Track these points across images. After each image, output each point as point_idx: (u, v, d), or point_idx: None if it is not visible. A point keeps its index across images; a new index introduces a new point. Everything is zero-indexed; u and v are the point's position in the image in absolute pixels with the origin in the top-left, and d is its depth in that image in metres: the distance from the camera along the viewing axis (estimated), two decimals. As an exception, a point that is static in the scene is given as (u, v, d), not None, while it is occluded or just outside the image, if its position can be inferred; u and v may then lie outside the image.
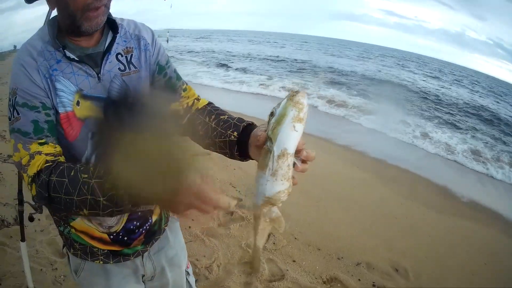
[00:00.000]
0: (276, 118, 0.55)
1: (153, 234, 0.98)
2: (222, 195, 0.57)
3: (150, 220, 0.95)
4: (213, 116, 0.85)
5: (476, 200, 3.86)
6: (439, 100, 11.93)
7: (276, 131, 0.54)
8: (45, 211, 1.18)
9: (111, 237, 0.89)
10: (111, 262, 0.93)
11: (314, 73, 14.89)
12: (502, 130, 8.68)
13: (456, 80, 22.21)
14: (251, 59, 18.14)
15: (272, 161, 0.55)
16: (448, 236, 3.03)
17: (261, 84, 10.39)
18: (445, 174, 4.73)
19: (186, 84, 0.97)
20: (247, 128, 0.77)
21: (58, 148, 0.75)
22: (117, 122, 0.67)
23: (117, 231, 0.89)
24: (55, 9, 0.75)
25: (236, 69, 14.07)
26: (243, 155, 0.76)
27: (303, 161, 0.60)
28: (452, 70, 33.57)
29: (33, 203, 1.51)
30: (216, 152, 0.82)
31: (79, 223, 0.87)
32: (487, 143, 6.98)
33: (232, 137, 0.77)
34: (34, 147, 0.71)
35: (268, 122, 0.58)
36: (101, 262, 0.92)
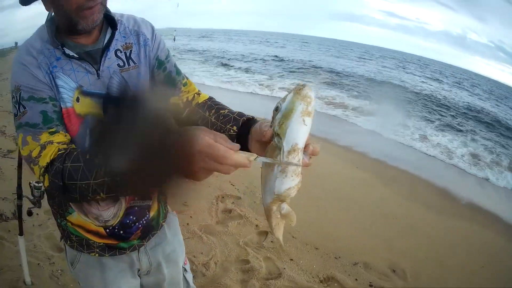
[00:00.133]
0: (283, 113, 0.54)
1: (150, 229, 0.98)
2: (238, 152, 0.52)
3: (147, 215, 0.95)
4: (213, 111, 0.84)
5: (475, 202, 3.87)
6: (439, 102, 11.95)
7: (284, 126, 0.53)
8: (44, 206, 1.18)
9: (107, 230, 0.89)
10: (107, 255, 0.93)
11: (315, 73, 14.89)
12: (501, 133, 8.70)
13: (456, 82, 22.24)
14: (251, 59, 18.13)
15: (282, 157, 0.53)
16: (447, 237, 3.04)
17: (260, 84, 10.40)
18: (445, 176, 4.74)
19: (187, 78, 0.97)
20: (247, 122, 0.76)
21: (68, 136, 0.75)
22: (115, 118, 0.67)
23: (113, 225, 0.89)
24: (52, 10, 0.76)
25: (236, 68, 14.08)
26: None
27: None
28: (453, 72, 33.62)
29: (32, 197, 1.51)
30: None
31: (75, 217, 0.87)
32: (487, 146, 7.00)
33: (231, 131, 0.76)
34: (45, 137, 0.70)
35: (273, 117, 0.56)
36: (97, 254, 0.93)
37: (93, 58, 0.79)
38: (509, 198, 4.42)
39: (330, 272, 2.29)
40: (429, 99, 12.31)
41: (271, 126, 0.57)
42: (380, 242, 2.74)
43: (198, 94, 0.96)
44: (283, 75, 13.36)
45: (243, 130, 0.75)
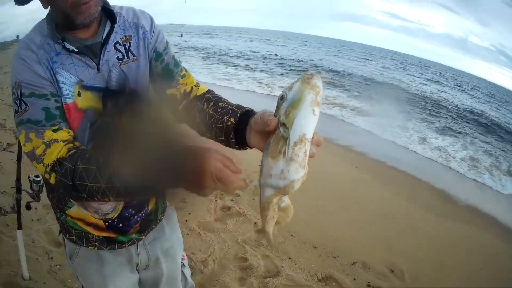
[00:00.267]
0: (291, 102, 0.51)
1: (149, 223, 0.99)
2: (239, 178, 0.57)
3: (145, 209, 0.95)
4: (211, 103, 0.83)
5: (474, 205, 3.88)
6: (440, 104, 11.96)
7: (292, 116, 0.51)
8: (42, 200, 1.18)
9: (106, 223, 0.89)
10: (106, 249, 0.93)
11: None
12: (501, 137, 8.71)
13: (457, 85, 22.26)
14: (252, 57, 18.12)
15: (288, 148, 0.51)
16: (446, 237, 3.04)
17: (260, 82, 10.38)
18: (444, 178, 4.75)
19: (186, 70, 0.96)
20: (245, 114, 0.74)
21: (71, 133, 0.75)
22: (115, 111, 0.67)
23: (113, 218, 0.89)
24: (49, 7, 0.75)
25: (236, 66, 14.06)
26: (240, 143, 0.73)
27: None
28: (453, 75, 33.63)
29: (31, 191, 1.50)
30: (212, 139, 0.80)
31: (75, 210, 0.87)
32: (486, 150, 7.01)
33: (229, 123, 0.74)
34: (48, 134, 0.70)
35: (278, 106, 0.54)
36: (96, 248, 0.93)
37: (93, 52, 0.79)
38: (507, 202, 4.43)
39: (328, 271, 2.29)
40: (429, 100, 12.33)
41: (275, 116, 0.55)
42: (378, 242, 2.74)
43: (197, 86, 0.95)
44: (283, 73, 13.34)
45: (241, 122, 0.73)
